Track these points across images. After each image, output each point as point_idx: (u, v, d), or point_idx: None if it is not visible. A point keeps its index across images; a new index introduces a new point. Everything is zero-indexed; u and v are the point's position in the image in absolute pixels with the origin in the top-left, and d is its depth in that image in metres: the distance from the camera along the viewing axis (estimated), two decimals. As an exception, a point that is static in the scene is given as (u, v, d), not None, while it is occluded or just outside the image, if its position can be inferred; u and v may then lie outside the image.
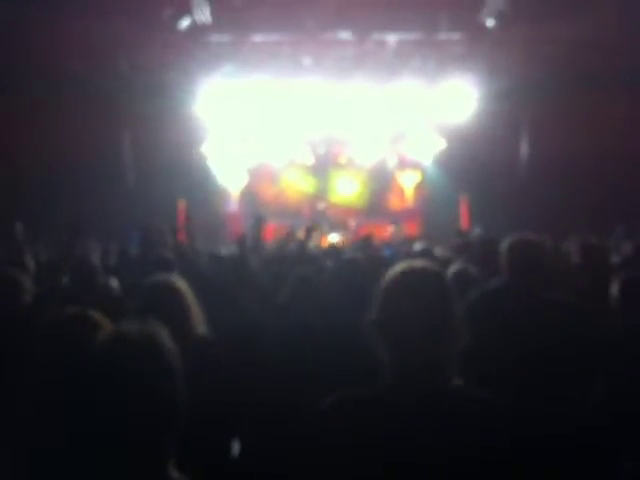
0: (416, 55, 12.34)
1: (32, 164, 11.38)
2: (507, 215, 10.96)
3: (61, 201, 11.04)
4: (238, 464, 3.14)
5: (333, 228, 13.16)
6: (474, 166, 12.88)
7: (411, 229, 13.79)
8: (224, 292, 4.10)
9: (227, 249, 6.65)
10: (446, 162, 13.83)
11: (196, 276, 3.67)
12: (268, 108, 12.85)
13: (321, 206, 13.92)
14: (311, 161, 14.56)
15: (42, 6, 8.90)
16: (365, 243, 6.82)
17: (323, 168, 14.63)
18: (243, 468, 3.14)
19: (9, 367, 2.35)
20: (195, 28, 11.08)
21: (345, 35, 11.64)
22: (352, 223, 13.55)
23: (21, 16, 9.16)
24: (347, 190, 14.91)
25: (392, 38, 11.79)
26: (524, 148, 13.82)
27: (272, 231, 12.00)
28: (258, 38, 11.67)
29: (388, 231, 13.18)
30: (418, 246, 5.72)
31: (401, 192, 14.97)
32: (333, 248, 6.57)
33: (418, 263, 1.82)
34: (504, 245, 3.12)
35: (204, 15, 10.69)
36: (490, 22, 10.98)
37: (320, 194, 14.57)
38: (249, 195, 14.41)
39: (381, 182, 14.79)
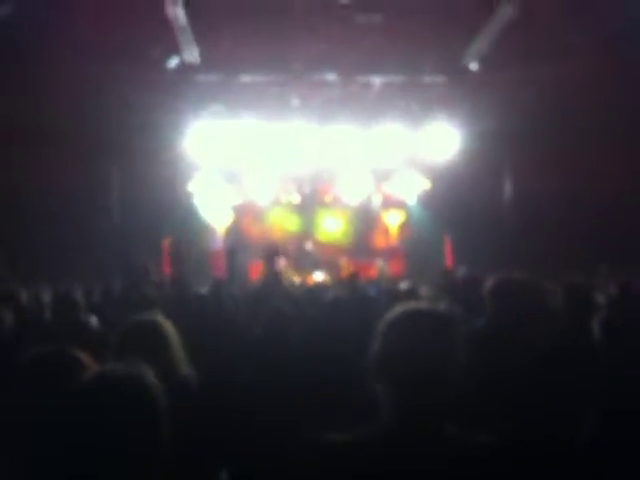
0: (400, 97, 12.58)
1: (19, 199, 11.33)
2: (490, 254, 11.05)
3: (47, 236, 10.98)
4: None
5: (318, 266, 13.18)
6: (457, 206, 13.03)
7: (396, 268, 13.84)
8: (202, 330, 4.08)
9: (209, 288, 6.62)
10: (430, 202, 13.98)
11: (179, 315, 3.66)
12: (255, 147, 12.96)
13: (308, 246, 13.95)
14: (297, 200, 14.65)
15: (34, 44, 8.99)
16: (351, 281, 6.78)
17: (309, 207, 14.71)
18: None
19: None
20: (184, 68, 11.23)
21: (331, 77, 11.85)
22: (339, 261, 13.57)
23: (14, 53, 9.25)
24: (332, 229, 14.98)
25: (377, 80, 12.01)
26: (506, 188, 14.02)
27: (258, 269, 12.00)
28: (246, 78, 11.83)
29: (375, 268, 13.23)
30: (404, 285, 5.72)
31: (386, 231, 15.07)
32: (311, 292, 6.44)
33: (418, 305, 1.78)
34: (489, 284, 3.10)
35: (193, 55, 10.84)
36: (473, 66, 11.25)
37: (305, 233, 14.62)
38: (234, 233, 14.42)
39: (366, 221, 14.88)
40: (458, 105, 12.51)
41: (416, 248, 14.01)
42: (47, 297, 5.38)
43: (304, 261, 13.58)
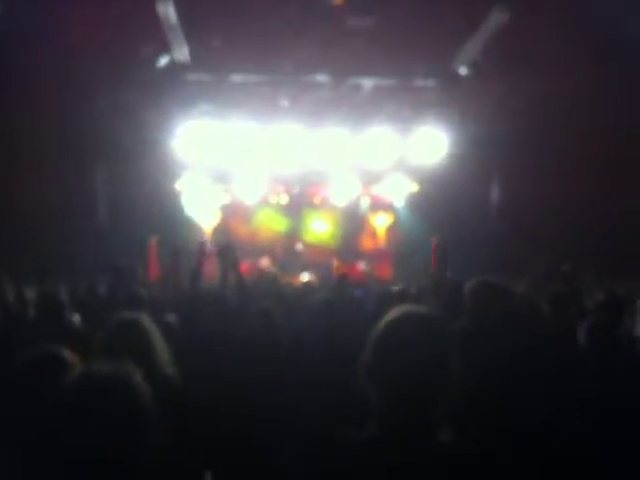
0: (390, 100, 12.59)
1: (4, 197, 11.24)
2: (478, 258, 11.10)
3: (32, 234, 10.89)
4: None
5: (305, 268, 13.17)
6: (446, 209, 13.08)
7: (383, 270, 13.86)
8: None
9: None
10: (418, 205, 14.02)
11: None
12: (244, 147, 12.92)
13: (299, 246, 13.95)
14: (285, 200, 14.64)
15: (21, 42, 8.92)
16: (340, 282, 6.71)
17: (297, 208, 14.70)
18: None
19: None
20: (174, 67, 11.17)
21: (322, 78, 11.84)
22: (329, 262, 13.57)
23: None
24: (320, 230, 14.98)
25: (367, 83, 12.03)
26: (494, 194, 14.10)
27: (245, 269, 11.96)
28: (236, 79, 11.80)
29: (360, 270, 13.24)
30: (395, 288, 5.68)
31: (374, 233, 15.09)
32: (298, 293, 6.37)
33: (417, 309, 1.76)
34: (467, 288, 3.14)
35: (183, 54, 10.79)
36: (464, 70, 11.30)
37: (293, 234, 14.61)
38: (222, 233, 14.38)
39: (354, 223, 14.90)
40: (448, 109, 12.55)
41: (404, 251, 14.04)
42: (31, 294, 5.33)
43: (292, 262, 13.58)
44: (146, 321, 2.75)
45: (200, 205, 13.93)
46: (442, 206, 13.16)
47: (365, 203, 14.82)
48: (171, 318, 4.53)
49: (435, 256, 13.04)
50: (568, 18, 8.93)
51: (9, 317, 3.96)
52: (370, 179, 14.14)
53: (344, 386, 2.90)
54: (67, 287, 6.00)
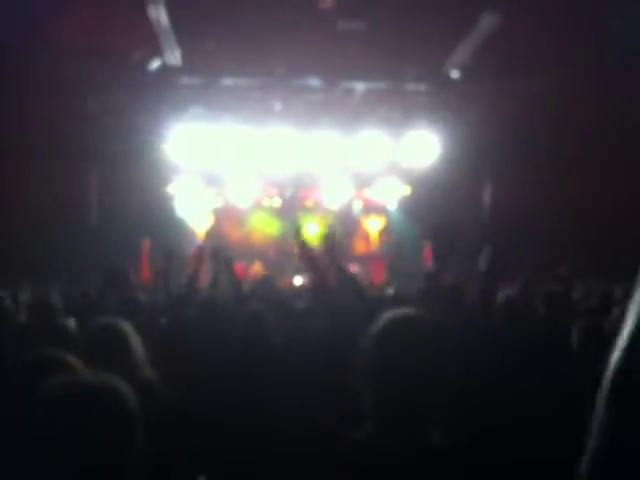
0: (382, 103, 12.63)
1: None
2: (471, 261, 11.10)
3: (25, 240, 10.84)
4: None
5: (298, 270, 13.16)
6: (437, 212, 13.10)
7: (376, 273, 13.87)
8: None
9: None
10: (411, 208, 14.05)
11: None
12: (236, 150, 12.92)
13: (291, 250, 13.93)
14: (278, 204, 14.64)
15: (11, 45, 8.88)
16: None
17: (290, 211, 14.69)
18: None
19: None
20: (165, 70, 11.16)
21: (314, 82, 11.86)
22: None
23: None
24: (313, 233, 14.98)
25: (359, 86, 12.05)
26: (485, 197, 14.14)
27: (238, 272, 11.93)
28: (228, 82, 11.79)
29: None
30: (390, 291, 5.68)
31: (366, 236, 15.10)
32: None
33: (411, 312, 1.76)
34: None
35: (174, 57, 10.78)
36: (455, 74, 11.34)
37: (286, 237, 14.59)
38: (215, 236, 14.35)
39: (347, 226, 14.90)
40: (439, 113, 12.60)
41: (397, 254, 14.05)
42: (25, 298, 5.32)
43: (285, 265, 13.56)
44: (123, 325, 2.79)
45: (192, 208, 13.91)
46: (434, 209, 13.18)
47: (358, 206, 14.84)
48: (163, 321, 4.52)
49: (430, 259, 13.06)
50: (559, 21, 8.98)
51: (2, 320, 3.94)
52: (362, 182, 14.17)
53: (337, 387, 2.92)
54: (60, 291, 5.99)
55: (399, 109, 12.75)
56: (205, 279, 5.48)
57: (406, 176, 13.90)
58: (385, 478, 1.58)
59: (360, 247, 15.02)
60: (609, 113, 10.77)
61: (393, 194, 14.28)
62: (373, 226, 15.04)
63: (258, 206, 14.56)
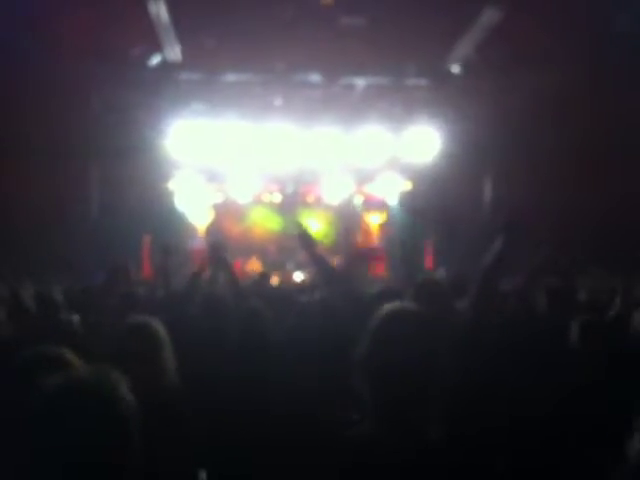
0: (383, 99, 12.62)
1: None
2: (471, 256, 11.11)
3: (26, 236, 10.86)
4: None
5: (299, 266, 13.18)
6: (439, 208, 13.12)
7: (377, 268, 13.88)
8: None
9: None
10: (412, 203, 14.05)
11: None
12: (236, 146, 12.92)
13: (292, 245, 13.95)
14: (278, 199, 14.64)
15: (11, 42, 8.87)
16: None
17: (290, 206, 14.69)
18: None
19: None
20: (165, 66, 11.15)
21: (314, 77, 11.85)
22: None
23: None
24: (314, 229, 14.98)
25: (360, 82, 12.03)
26: (486, 192, 14.14)
27: (238, 268, 11.96)
28: (228, 78, 11.78)
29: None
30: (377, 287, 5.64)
31: (367, 232, 15.11)
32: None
33: (407, 306, 1.78)
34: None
35: (175, 53, 10.76)
36: (456, 69, 11.33)
37: (287, 232, 14.60)
38: (215, 232, 14.37)
39: (348, 222, 14.91)
40: (440, 108, 12.59)
41: (397, 249, 14.05)
42: (27, 294, 5.32)
43: (285, 260, 13.59)
44: (157, 325, 2.71)
45: (193, 204, 13.92)
46: (435, 204, 13.20)
47: (358, 202, 14.85)
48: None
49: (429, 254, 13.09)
50: (560, 17, 8.97)
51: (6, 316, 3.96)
52: (363, 178, 14.17)
53: (336, 385, 2.93)
54: (62, 286, 6.00)
55: (400, 104, 12.74)
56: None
57: (407, 171, 13.90)
58: (385, 475, 1.59)
59: (361, 242, 15.02)
60: (610, 108, 10.75)
61: (394, 189, 14.28)
62: (374, 221, 15.05)
63: (258, 202, 14.57)
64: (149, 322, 2.70)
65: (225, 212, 14.60)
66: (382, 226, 15.02)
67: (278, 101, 12.45)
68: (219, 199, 14.25)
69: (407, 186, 14.14)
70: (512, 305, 3.93)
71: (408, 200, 14.20)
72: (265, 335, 3.58)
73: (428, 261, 13.50)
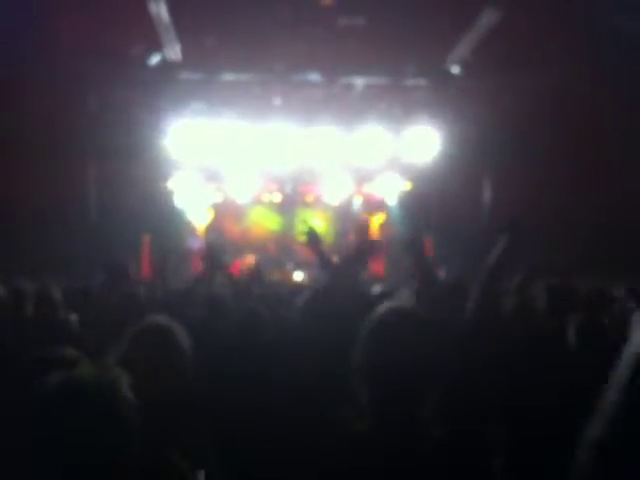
0: (382, 99, 12.62)
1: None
2: (470, 257, 11.12)
3: (25, 236, 10.85)
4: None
5: (298, 266, 13.19)
6: (438, 208, 13.12)
7: (376, 268, 13.88)
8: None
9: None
10: (411, 203, 14.06)
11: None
12: (236, 146, 12.92)
13: (292, 245, 13.98)
14: (278, 199, 14.65)
15: (11, 42, 8.87)
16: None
17: (290, 206, 14.70)
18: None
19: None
20: (165, 65, 11.14)
21: (314, 77, 11.85)
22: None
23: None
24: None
25: (359, 82, 12.04)
26: (487, 191, 14.14)
27: (238, 268, 11.97)
28: (228, 77, 11.78)
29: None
30: (377, 288, 5.66)
31: (368, 229, 15.11)
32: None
33: (403, 306, 1.78)
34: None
35: (174, 52, 10.77)
36: (455, 69, 11.33)
37: (287, 232, 14.61)
38: (214, 232, 14.37)
39: (347, 221, 14.92)
40: (439, 108, 12.59)
41: (396, 249, 14.06)
42: (25, 293, 5.31)
43: (285, 260, 13.59)
44: (175, 327, 2.57)
45: (192, 203, 13.92)
46: (435, 205, 13.21)
47: (358, 201, 14.85)
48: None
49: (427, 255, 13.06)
50: (559, 17, 8.98)
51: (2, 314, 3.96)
52: (362, 178, 14.17)
53: (336, 384, 2.93)
54: (60, 286, 5.98)
55: (399, 104, 12.75)
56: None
57: (406, 171, 13.90)
58: (384, 475, 1.59)
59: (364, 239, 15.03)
60: (609, 109, 10.76)
61: (393, 189, 14.28)
62: (373, 221, 15.06)
63: (258, 201, 14.57)
64: (170, 324, 2.56)
65: (224, 212, 14.60)
66: (381, 226, 15.02)
67: (278, 101, 12.45)
68: (218, 199, 14.25)
69: (407, 186, 14.14)
70: (511, 305, 3.94)
71: (408, 200, 14.20)
72: (262, 335, 3.58)
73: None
